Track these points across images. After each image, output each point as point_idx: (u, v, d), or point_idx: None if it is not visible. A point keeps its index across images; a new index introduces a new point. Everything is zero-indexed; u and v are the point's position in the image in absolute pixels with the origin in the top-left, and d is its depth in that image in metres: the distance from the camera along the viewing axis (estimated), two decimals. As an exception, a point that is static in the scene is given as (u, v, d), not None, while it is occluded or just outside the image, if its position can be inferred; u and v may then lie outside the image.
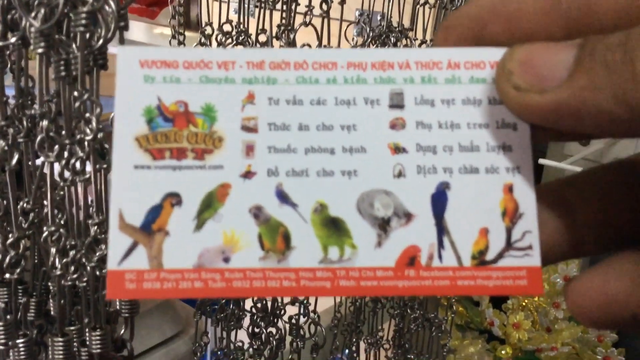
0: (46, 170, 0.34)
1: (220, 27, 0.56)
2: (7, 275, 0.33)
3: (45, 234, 0.31)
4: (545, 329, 1.02)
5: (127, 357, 0.36)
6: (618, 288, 0.17)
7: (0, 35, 0.29)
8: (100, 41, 0.29)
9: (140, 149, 0.19)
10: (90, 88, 0.30)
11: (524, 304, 1.02)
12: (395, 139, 0.20)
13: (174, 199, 0.19)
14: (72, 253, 0.32)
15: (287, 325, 0.61)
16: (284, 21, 0.54)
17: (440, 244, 0.19)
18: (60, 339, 0.33)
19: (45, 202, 0.35)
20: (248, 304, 0.62)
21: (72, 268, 0.33)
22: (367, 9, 0.67)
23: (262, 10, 0.54)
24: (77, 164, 0.30)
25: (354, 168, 0.19)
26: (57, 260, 0.32)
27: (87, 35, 0.29)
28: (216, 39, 0.56)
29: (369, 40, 0.66)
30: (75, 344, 0.34)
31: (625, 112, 0.16)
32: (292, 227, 0.19)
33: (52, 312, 0.36)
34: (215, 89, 0.19)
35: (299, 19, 0.55)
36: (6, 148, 0.31)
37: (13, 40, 0.29)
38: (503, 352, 0.99)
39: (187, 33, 0.66)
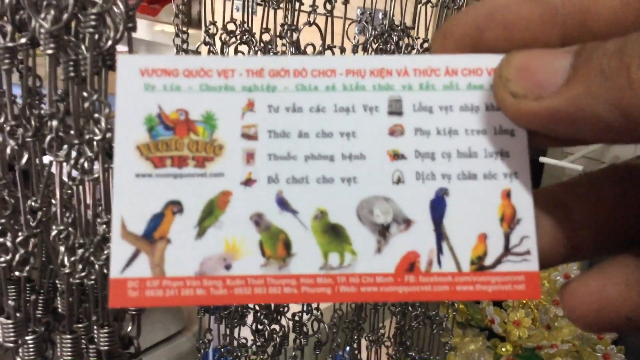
0: (54, 169, 0.34)
1: (224, 26, 0.56)
2: (17, 273, 0.33)
3: (54, 233, 0.32)
4: (545, 326, 1.03)
5: (134, 354, 0.36)
6: (612, 292, 0.18)
7: (10, 35, 0.30)
8: (109, 42, 0.29)
9: (142, 157, 0.19)
10: (99, 88, 0.30)
11: (524, 301, 1.03)
12: (394, 145, 0.20)
13: (176, 207, 0.19)
14: (80, 251, 0.33)
15: (291, 323, 0.61)
16: (286, 20, 0.54)
17: (440, 250, 0.19)
18: (68, 336, 0.34)
19: (53, 201, 0.36)
20: (251, 301, 0.63)
21: (80, 266, 0.33)
22: (369, 8, 0.67)
23: (266, 9, 0.55)
24: (86, 164, 0.31)
25: (353, 175, 0.20)
26: (65, 258, 0.32)
27: (96, 36, 0.29)
28: (220, 38, 0.56)
29: (371, 39, 0.66)
30: (83, 341, 0.34)
31: (621, 119, 0.16)
32: (292, 234, 0.19)
33: (59, 310, 0.37)
34: (215, 96, 0.19)
35: (302, 18, 0.55)
36: (16, 147, 0.31)
37: (23, 40, 0.29)
38: (503, 349, 1.00)
39: (189, 31, 0.67)
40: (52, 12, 0.29)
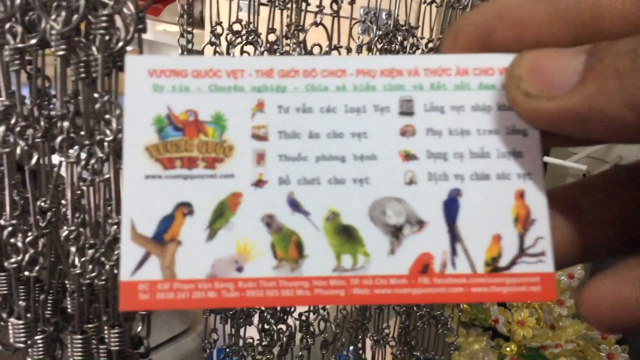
0: (63, 169, 0.35)
1: (230, 26, 0.56)
2: (26, 273, 0.33)
3: (65, 233, 0.32)
4: (549, 326, 1.03)
5: (144, 354, 0.36)
6: (629, 293, 0.17)
7: (20, 37, 0.30)
8: (120, 43, 0.29)
9: (151, 158, 0.19)
10: (110, 89, 0.30)
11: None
12: (406, 146, 0.20)
13: (186, 208, 0.19)
14: (90, 252, 0.33)
15: (297, 322, 0.61)
16: (289, 20, 0.54)
17: (453, 251, 0.19)
18: (79, 337, 0.34)
19: (63, 202, 0.36)
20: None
21: (90, 267, 0.33)
22: (373, 8, 0.67)
23: (272, 10, 0.55)
24: (96, 165, 0.31)
25: (365, 175, 0.19)
26: (76, 259, 0.32)
27: (106, 38, 0.29)
28: (226, 38, 0.56)
29: (376, 38, 0.66)
30: (93, 341, 0.35)
31: (636, 118, 0.16)
32: (304, 236, 0.19)
33: (68, 310, 0.37)
34: (224, 97, 0.19)
35: (307, 18, 0.55)
36: (25, 148, 0.31)
37: (33, 42, 0.29)
38: (508, 349, 1.00)
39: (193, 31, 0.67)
40: (63, 13, 0.29)
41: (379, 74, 0.20)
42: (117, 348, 0.33)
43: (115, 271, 0.33)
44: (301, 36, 0.53)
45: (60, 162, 0.33)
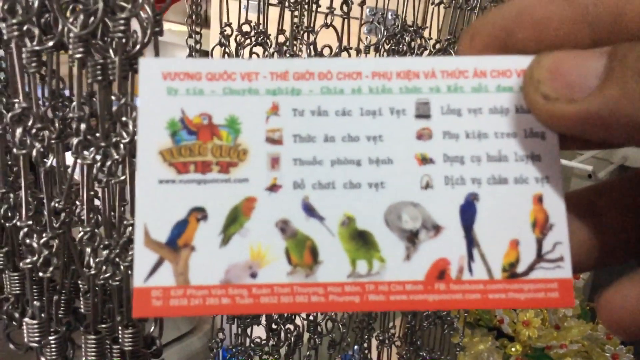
0: (76, 170, 0.35)
1: (239, 27, 0.56)
2: (40, 274, 0.34)
3: (80, 234, 0.32)
4: (554, 326, 1.03)
5: (156, 354, 0.37)
6: None
7: (37, 39, 0.30)
8: (137, 46, 0.29)
9: (165, 163, 0.19)
10: (126, 92, 0.30)
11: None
12: (422, 149, 0.19)
13: (200, 213, 0.19)
14: (105, 253, 0.33)
15: (305, 322, 0.61)
16: (301, 21, 0.54)
17: (470, 257, 0.19)
18: (93, 337, 0.34)
19: (77, 202, 0.36)
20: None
21: (104, 267, 0.33)
22: (379, 8, 0.67)
23: (282, 11, 0.55)
24: (112, 166, 0.31)
25: (380, 180, 0.19)
26: (90, 259, 0.33)
27: (123, 40, 0.29)
28: (235, 39, 0.56)
29: (383, 39, 0.66)
30: (107, 341, 0.35)
31: None
32: (319, 241, 0.19)
33: (81, 310, 0.37)
34: (239, 100, 0.19)
35: (316, 19, 0.55)
36: (41, 150, 0.32)
37: (51, 44, 0.29)
38: (513, 349, 1.00)
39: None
40: (81, 16, 0.29)
41: (395, 76, 0.19)
42: (130, 348, 0.34)
43: (130, 272, 0.33)
44: (311, 37, 0.53)
45: (75, 163, 0.33)
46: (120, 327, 0.34)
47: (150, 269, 0.18)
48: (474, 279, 0.19)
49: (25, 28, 0.30)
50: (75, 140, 0.30)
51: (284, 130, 0.19)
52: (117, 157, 0.31)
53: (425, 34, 0.67)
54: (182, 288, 0.18)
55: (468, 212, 0.19)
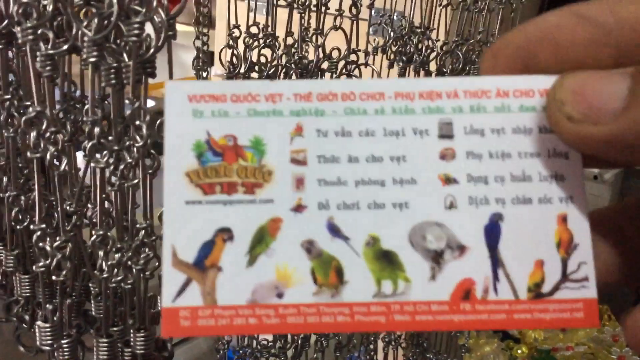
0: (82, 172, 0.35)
1: (247, 29, 0.56)
2: (53, 277, 0.34)
3: (93, 237, 0.32)
4: (560, 328, 1.03)
5: (167, 358, 0.37)
6: None
7: (52, 43, 0.30)
8: (151, 50, 0.29)
9: (191, 184, 0.19)
10: (139, 95, 0.30)
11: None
12: (446, 169, 0.19)
13: (226, 234, 0.19)
14: (117, 256, 0.33)
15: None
16: (304, 22, 0.54)
17: (496, 277, 0.19)
18: (105, 340, 0.34)
19: (89, 205, 0.36)
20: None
21: (117, 270, 0.33)
22: (387, 9, 0.67)
23: (290, 13, 0.55)
24: (125, 170, 0.31)
25: (404, 200, 0.19)
26: (103, 262, 0.33)
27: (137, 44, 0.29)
28: (244, 41, 0.56)
29: (390, 41, 0.66)
30: (118, 344, 0.35)
31: None
32: (344, 261, 0.19)
33: (92, 312, 0.37)
34: (263, 121, 0.19)
35: (324, 21, 0.55)
36: (55, 153, 0.32)
37: (65, 47, 0.29)
38: (519, 351, 1.00)
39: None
40: (95, 20, 0.29)
41: (417, 96, 0.20)
42: (142, 351, 0.34)
43: (142, 275, 0.33)
44: (320, 40, 0.53)
45: (87, 166, 0.34)
46: (132, 330, 0.34)
47: (179, 289, 0.18)
48: (499, 299, 0.19)
49: (39, 32, 0.30)
50: (88, 144, 0.30)
51: (308, 151, 0.19)
52: (130, 160, 0.31)
53: (433, 35, 0.67)
54: (210, 308, 0.18)
55: (492, 232, 0.19)
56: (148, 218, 0.32)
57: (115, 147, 0.31)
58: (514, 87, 0.19)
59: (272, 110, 0.19)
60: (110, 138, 0.31)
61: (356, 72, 0.54)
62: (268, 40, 0.56)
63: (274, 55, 0.56)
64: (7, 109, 0.34)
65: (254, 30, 0.57)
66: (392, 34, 0.66)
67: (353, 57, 0.54)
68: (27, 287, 0.39)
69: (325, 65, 0.54)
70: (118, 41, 0.30)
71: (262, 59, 0.55)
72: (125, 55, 0.30)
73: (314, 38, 0.54)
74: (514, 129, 0.19)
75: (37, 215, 0.33)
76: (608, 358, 1.00)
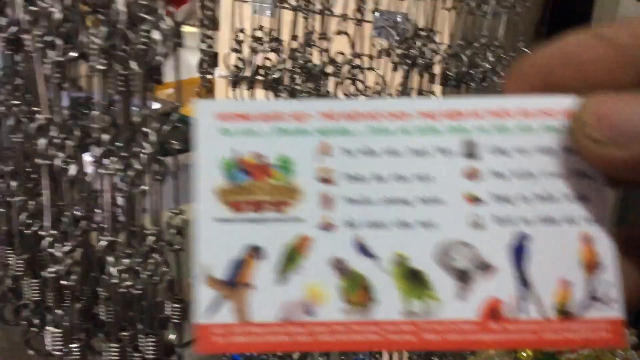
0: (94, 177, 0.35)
1: (252, 33, 0.57)
2: (64, 283, 0.34)
3: (101, 242, 0.32)
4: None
5: (176, 362, 0.37)
6: None
7: (61, 50, 0.30)
8: (159, 58, 0.29)
9: (221, 202, 0.19)
10: (147, 102, 0.31)
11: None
12: (471, 189, 0.20)
13: (256, 252, 0.19)
14: (126, 261, 0.33)
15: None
16: (307, 27, 0.54)
17: (522, 296, 0.19)
18: (115, 345, 0.34)
19: (96, 210, 0.36)
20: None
21: (125, 275, 0.34)
22: (390, 12, 0.67)
23: (295, 17, 0.55)
24: (133, 176, 0.31)
25: (430, 219, 0.19)
26: (112, 268, 0.33)
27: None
28: (250, 46, 0.57)
29: (395, 45, 0.66)
30: (127, 349, 0.35)
31: None
32: (373, 280, 0.19)
33: (100, 317, 0.37)
34: (290, 140, 0.19)
35: (329, 25, 0.55)
36: (64, 159, 0.32)
37: (75, 55, 0.30)
38: (524, 353, 1.00)
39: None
40: (103, 27, 0.29)
41: (441, 116, 0.20)
42: (152, 357, 0.34)
43: (151, 280, 0.33)
44: (324, 44, 0.53)
45: (98, 172, 0.34)
46: (141, 335, 0.34)
47: (211, 307, 0.19)
48: (527, 318, 0.19)
49: (48, 39, 0.30)
50: (97, 151, 0.31)
51: (335, 170, 0.20)
52: (139, 167, 0.31)
53: (437, 38, 0.67)
54: (242, 325, 0.19)
55: (518, 251, 0.19)
56: (158, 225, 0.32)
57: (125, 154, 0.31)
58: (537, 108, 0.20)
59: (299, 129, 0.20)
60: (117, 143, 0.31)
61: (360, 76, 0.54)
62: (274, 44, 0.57)
63: (279, 59, 0.57)
64: (16, 115, 0.35)
65: (258, 34, 0.57)
66: (396, 37, 0.66)
67: (357, 60, 0.55)
68: (36, 291, 0.39)
69: (329, 69, 0.54)
70: (125, 48, 0.30)
71: (267, 63, 0.55)
72: (132, 62, 0.30)
73: (318, 42, 0.54)
74: (537, 149, 0.20)
75: (45, 220, 0.33)
76: (613, 360, 0.99)
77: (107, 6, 0.29)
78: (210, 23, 0.59)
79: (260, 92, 0.58)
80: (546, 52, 0.19)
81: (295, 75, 0.55)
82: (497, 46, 0.66)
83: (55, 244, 0.34)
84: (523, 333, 0.19)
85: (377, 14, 0.69)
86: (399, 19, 0.67)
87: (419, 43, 0.67)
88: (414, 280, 0.19)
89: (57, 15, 0.30)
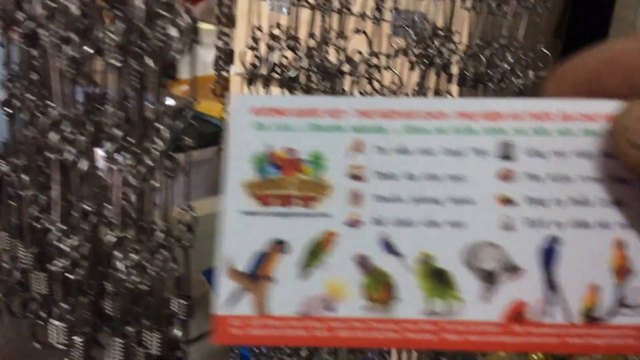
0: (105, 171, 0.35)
1: (270, 31, 0.56)
2: (71, 277, 0.34)
3: (109, 237, 0.32)
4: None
5: (181, 358, 0.37)
6: None
7: (78, 47, 0.30)
8: (175, 54, 0.29)
9: (250, 195, 0.19)
10: (161, 99, 0.30)
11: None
12: (504, 190, 0.19)
13: (281, 246, 0.19)
14: (134, 256, 0.33)
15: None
16: (325, 24, 0.54)
17: (549, 300, 0.19)
18: (120, 340, 0.34)
19: (105, 204, 0.36)
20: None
21: (133, 271, 0.33)
22: (409, 11, 0.67)
23: (313, 15, 0.55)
24: (146, 173, 0.31)
25: (460, 219, 0.19)
26: (119, 263, 0.33)
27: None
28: (266, 43, 0.56)
29: (413, 44, 0.66)
30: (132, 344, 0.35)
31: None
32: (396, 278, 0.19)
33: (106, 311, 0.37)
34: (324, 136, 0.19)
35: (347, 23, 0.55)
36: (75, 154, 0.32)
37: (90, 51, 0.30)
38: (534, 356, 0.99)
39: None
40: (119, 24, 0.29)
41: (479, 117, 0.20)
42: (158, 352, 0.34)
43: (160, 276, 0.33)
44: (342, 42, 0.53)
45: (108, 168, 0.34)
46: (147, 331, 0.34)
47: (231, 298, 0.19)
48: (552, 322, 0.19)
49: (64, 35, 0.30)
50: (110, 146, 0.31)
51: (366, 167, 0.19)
52: (150, 163, 0.31)
53: (455, 38, 0.66)
54: (261, 318, 0.19)
55: (548, 254, 0.19)
56: (167, 221, 0.32)
57: (137, 150, 0.31)
58: (579, 111, 0.19)
59: (333, 125, 0.20)
60: (129, 138, 0.31)
61: (377, 75, 0.54)
62: (291, 42, 0.56)
63: (296, 57, 0.56)
64: (30, 109, 0.35)
65: (275, 32, 0.57)
66: (414, 36, 0.66)
67: (374, 60, 0.54)
68: (44, 285, 0.39)
69: (346, 67, 0.54)
70: (142, 44, 0.30)
71: (284, 61, 0.55)
72: (147, 58, 0.30)
73: (335, 40, 0.53)
74: (576, 153, 0.19)
75: (54, 214, 0.33)
76: (624, 368, 0.98)
77: (124, 2, 0.29)
78: (227, 20, 0.58)
79: (275, 90, 0.57)
80: (592, 57, 0.19)
81: (311, 74, 0.55)
82: (517, 47, 0.66)
83: (63, 238, 0.34)
84: (547, 337, 0.19)
85: (395, 12, 0.68)
86: (417, 19, 0.66)
87: (436, 43, 0.66)
88: (438, 279, 0.19)
89: (74, 10, 0.30)
